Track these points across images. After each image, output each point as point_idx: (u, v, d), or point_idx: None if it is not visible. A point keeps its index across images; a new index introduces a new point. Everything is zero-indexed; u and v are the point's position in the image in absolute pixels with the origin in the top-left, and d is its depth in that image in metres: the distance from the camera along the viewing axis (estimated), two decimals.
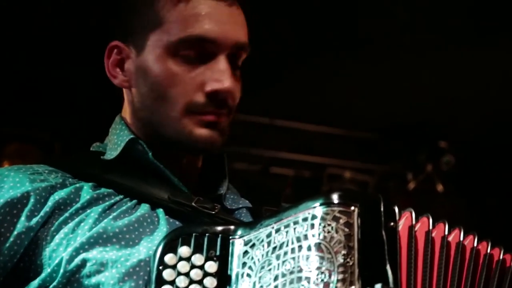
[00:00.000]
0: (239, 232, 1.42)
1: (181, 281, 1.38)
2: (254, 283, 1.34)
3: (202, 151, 1.61)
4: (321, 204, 1.33)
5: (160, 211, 1.53)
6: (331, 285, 1.26)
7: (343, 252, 1.28)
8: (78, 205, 1.49)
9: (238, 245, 1.40)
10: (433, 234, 1.42)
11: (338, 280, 1.26)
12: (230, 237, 1.41)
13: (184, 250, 1.40)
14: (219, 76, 1.54)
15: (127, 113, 1.65)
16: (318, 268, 1.28)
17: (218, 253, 1.40)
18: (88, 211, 1.49)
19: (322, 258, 1.29)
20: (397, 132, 5.35)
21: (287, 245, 1.33)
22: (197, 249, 1.40)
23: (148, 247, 1.45)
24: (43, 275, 1.45)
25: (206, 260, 1.40)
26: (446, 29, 4.22)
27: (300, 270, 1.30)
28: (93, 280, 1.42)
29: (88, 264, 1.43)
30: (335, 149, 5.43)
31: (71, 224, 1.47)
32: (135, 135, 1.61)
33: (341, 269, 1.27)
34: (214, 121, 1.56)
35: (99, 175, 1.57)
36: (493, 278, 1.46)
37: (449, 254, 1.42)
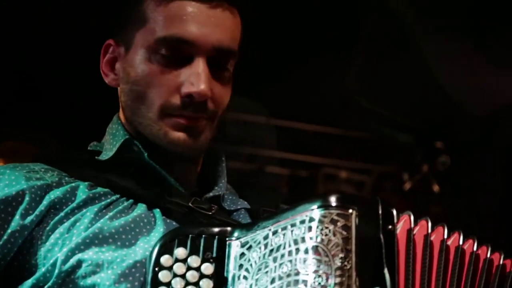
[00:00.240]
0: (236, 234, 1.41)
1: (177, 282, 1.37)
2: (251, 285, 1.34)
3: (178, 154, 1.57)
4: (319, 207, 1.33)
5: (157, 211, 1.52)
6: None
7: (341, 255, 1.28)
8: (74, 204, 1.48)
9: (234, 247, 1.40)
10: (432, 238, 1.41)
11: (335, 284, 1.26)
12: (227, 239, 1.41)
13: (180, 252, 1.39)
14: (194, 79, 1.51)
15: (122, 113, 1.64)
16: (315, 271, 1.28)
17: (214, 254, 1.40)
18: (84, 210, 1.48)
19: (319, 261, 1.28)
20: (394, 132, 5.35)
21: (284, 248, 1.33)
22: (194, 251, 1.39)
23: (144, 248, 1.44)
24: (37, 274, 1.44)
25: (203, 261, 1.39)
26: (446, 29, 4.21)
27: (297, 273, 1.29)
28: (89, 281, 1.41)
29: (84, 265, 1.42)
30: (331, 148, 5.42)
31: (66, 224, 1.46)
32: (130, 135, 1.60)
33: (338, 272, 1.27)
34: (189, 125, 1.53)
35: (96, 174, 1.56)
36: (493, 284, 1.44)
37: (448, 258, 1.41)
